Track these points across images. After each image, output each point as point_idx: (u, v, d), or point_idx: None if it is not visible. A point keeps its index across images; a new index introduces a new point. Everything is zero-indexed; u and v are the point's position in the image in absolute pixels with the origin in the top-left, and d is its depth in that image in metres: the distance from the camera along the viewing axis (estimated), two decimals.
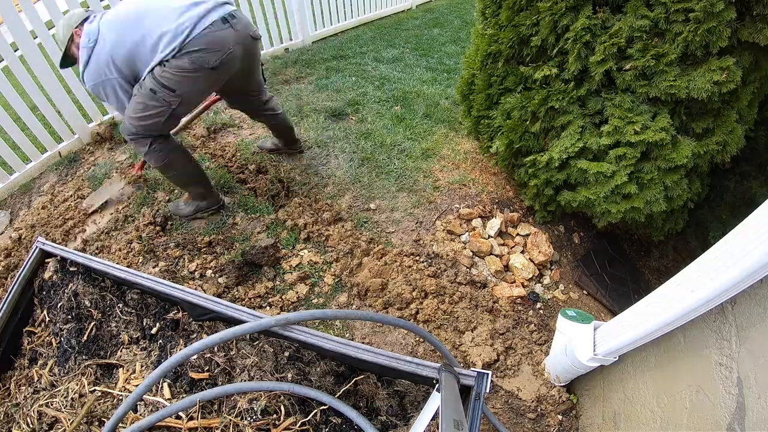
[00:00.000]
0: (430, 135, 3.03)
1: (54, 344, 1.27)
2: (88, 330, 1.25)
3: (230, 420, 0.99)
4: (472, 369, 1.01)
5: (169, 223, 2.33)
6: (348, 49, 4.42)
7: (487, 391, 0.98)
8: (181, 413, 1.01)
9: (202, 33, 1.67)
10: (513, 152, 2.22)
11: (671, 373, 1.24)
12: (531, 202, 2.37)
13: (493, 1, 2.08)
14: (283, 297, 1.98)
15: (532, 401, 1.75)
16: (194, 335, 1.19)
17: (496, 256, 2.28)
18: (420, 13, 5.89)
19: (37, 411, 1.12)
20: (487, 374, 0.99)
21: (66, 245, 2.25)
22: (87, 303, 1.27)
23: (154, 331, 1.22)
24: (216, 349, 1.11)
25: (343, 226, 2.33)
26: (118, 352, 1.22)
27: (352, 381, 1.08)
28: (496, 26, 2.04)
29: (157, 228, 2.26)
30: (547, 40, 1.83)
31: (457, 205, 2.46)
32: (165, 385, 1.08)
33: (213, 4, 1.74)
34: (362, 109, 3.31)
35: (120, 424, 0.97)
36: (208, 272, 2.05)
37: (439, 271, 2.13)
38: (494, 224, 2.35)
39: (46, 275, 1.35)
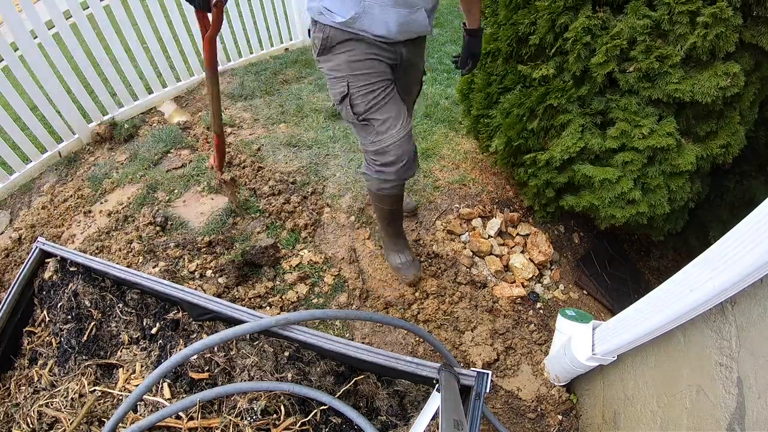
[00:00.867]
0: (430, 135, 3.03)
1: (54, 344, 1.27)
2: (88, 330, 1.25)
3: (230, 420, 0.99)
4: (472, 369, 1.02)
5: (169, 223, 2.33)
6: None
7: (487, 391, 0.98)
8: (181, 413, 1.01)
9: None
10: (512, 150, 2.22)
11: (671, 373, 1.24)
12: (531, 201, 2.37)
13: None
14: (283, 297, 1.98)
15: (532, 401, 1.75)
16: (194, 335, 1.19)
17: (496, 256, 2.28)
18: None
19: (37, 411, 1.12)
20: (487, 374, 0.99)
21: (66, 245, 2.25)
22: (87, 303, 1.27)
23: (154, 331, 1.22)
24: (216, 349, 1.11)
25: (343, 226, 2.33)
26: (118, 352, 1.22)
27: (352, 381, 1.08)
28: (495, 25, 2.04)
29: (157, 228, 2.26)
30: (545, 38, 1.83)
31: (457, 205, 2.46)
32: (165, 385, 1.08)
33: None
34: None
35: (120, 424, 0.97)
36: (208, 272, 2.05)
37: (439, 271, 2.14)
38: (494, 224, 2.35)
39: (46, 275, 1.35)
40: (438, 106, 3.39)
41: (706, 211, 2.38)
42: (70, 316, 1.28)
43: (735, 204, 2.26)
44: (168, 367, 0.94)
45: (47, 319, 1.32)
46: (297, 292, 2.00)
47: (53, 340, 1.28)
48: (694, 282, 1.07)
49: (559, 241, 2.46)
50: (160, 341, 1.20)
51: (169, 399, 1.06)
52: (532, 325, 2.03)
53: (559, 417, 1.72)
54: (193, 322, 1.21)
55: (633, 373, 1.43)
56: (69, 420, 1.08)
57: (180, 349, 1.14)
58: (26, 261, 1.35)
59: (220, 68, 3.85)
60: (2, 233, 2.49)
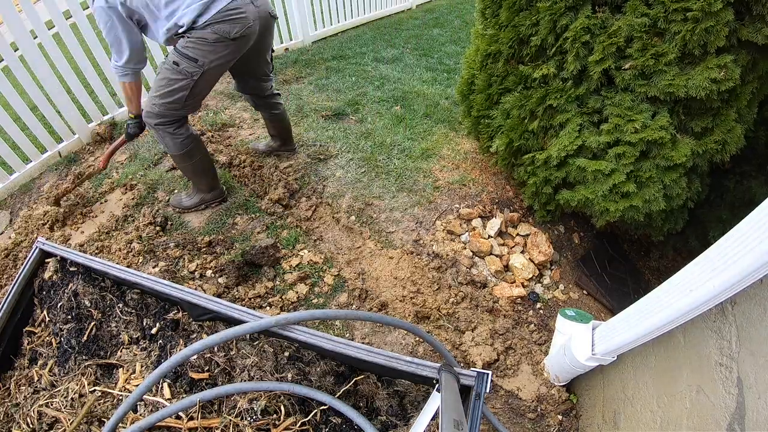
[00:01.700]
0: (430, 135, 3.03)
1: (54, 344, 1.27)
2: (88, 330, 1.25)
3: (230, 420, 0.99)
4: (472, 369, 1.01)
5: (169, 223, 2.33)
6: (348, 50, 4.42)
7: (487, 391, 0.98)
8: (181, 413, 1.01)
9: (225, 5, 1.73)
10: (512, 151, 2.22)
11: (671, 373, 1.24)
12: (530, 201, 2.37)
13: (493, 1, 2.08)
14: (283, 297, 1.98)
15: (532, 401, 1.75)
16: (194, 335, 1.19)
17: (496, 256, 2.28)
18: (420, 13, 5.90)
19: (37, 411, 1.12)
20: (487, 374, 0.99)
21: (66, 245, 2.25)
22: (87, 303, 1.27)
23: (154, 331, 1.22)
24: (216, 349, 1.11)
25: (343, 226, 2.33)
26: (118, 352, 1.21)
27: (352, 381, 1.08)
28: (496, 26, 2.04)
29: (157, 228, 2.26)
30: (546, 39, 1.83)
31: (457, 205, 2.46)
32: (165, 385, 1.08)
33: None
34: (362, 109, 3.31)
35: (120, 424, 0.97)
36: (208, 272, 2.05)
37: (439, 272, 2.13)
38: (494, 224, 2.35)
39: (46, 275, 1.35)
40: (438, 106, 3.40)
41: (706, 211, 2.38)
42: (70, 316, 1.28)
43: (735, 204, 2.26)
44: (168, 367, 0.94)
45: (47, 319, 1.32)
46: (297, 292, 2.00)
47: (53, 340, 1.28)
48: (694, 282, 1.07)
49: (559, 241, 2.46)
50: (160, 341, 1.20)
51: (169, 399, 1.06)
52: (532, 325, 2.03)
53: (559, 417, 1.72)
54: (193, 322, 1.21)
55: (633, 373, 1.43)
56: (69, 420, 1.08)
57: (180, 349, 1.14)
58: (26, 261, 1.35)
59: None
60: (2, 233, 2.49)
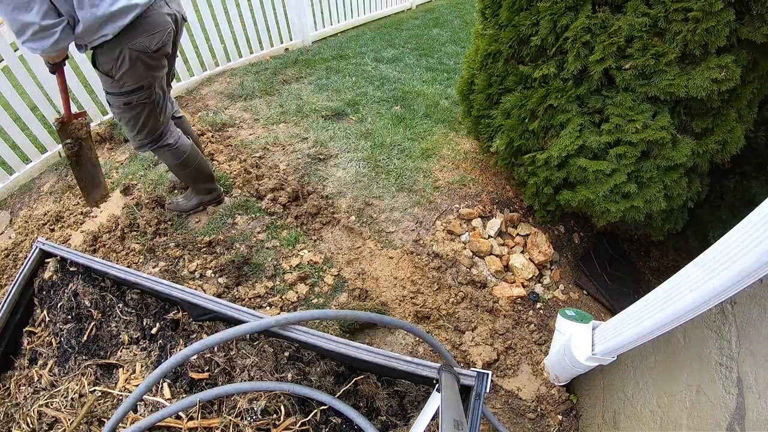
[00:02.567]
0: (430, 135, 3.03)
1: (54, 344, 1.27)
2: (88, 330, 1.25)
3: (230, 420, 0.99)
4: (472, 369, 1.01)
5: (169, 223, 2.33)
6: (348, 49, 4.42)
7: (487, 391, 0.98)
8: (181, 413, 1.01)
9: (145, 14, 1.57)
10: (513, 151, 2.22)
11: (671, 373, 1.24)
12: (530, 201, 2.37)
13: (493, 1, 2.08)
14: (283, 297, 1.98)
15: (532, 401, 1.75)
16: (194, 335, 1.19)
17: (496, 256, 2.28)
18: (420, 13, 5.89)
19: (37, 411, 1.12)
20: (487, 374, 0.99)
21: (65, 245, 2.25)
22: (87, 303, 1.27)
23: (154, 331, 1.22)
24: (216, 349, 1.11)
25: (343, 226, 2.33)
26: (118, 352, 1.22)
27: (352, 381, 1.08)
28: (496, 26, 2.04)
29: (157, 228, 2.26)
30: (546, 39, 1.83)
31: (457, 205, 2.46)
32: (165, 385, 1.08)
33: None
34: (362, 109, 3.31)
35: (120, 424, 0.97)
36: (208, 272, 2.05)
37: (439, 272, 2.13)
38: (494, 224, 2.35)
39: (46, 275, 1.35)
40: (438, 106, 3.39)
41: (706, 211, 2.38)
42: (70, 316, 1.28)
43: (735, 204, 2.26)
44: (168, 368, 0.94)
45: (47, 319, 1.32)
46: (297, 292, 2.00)
47: (53, 340, 1.28)
48: (694, 282, 1.07)
49: (559, 241, 2.46)
50: (160, 341, 1.20)
51: (169, 399, 1.06)
52: (532, 325, 2.03)
53: (559, 417, 1.72)
54: (193, 322, 1.21)
55: (633, 373, 1.43)
56: (69, 420, 1.08)
57: (180, 349, 1.14)
58: (26, 261, 1.35)
59: (220, 68, 3.86)
60: (2, 233, 2.49)
